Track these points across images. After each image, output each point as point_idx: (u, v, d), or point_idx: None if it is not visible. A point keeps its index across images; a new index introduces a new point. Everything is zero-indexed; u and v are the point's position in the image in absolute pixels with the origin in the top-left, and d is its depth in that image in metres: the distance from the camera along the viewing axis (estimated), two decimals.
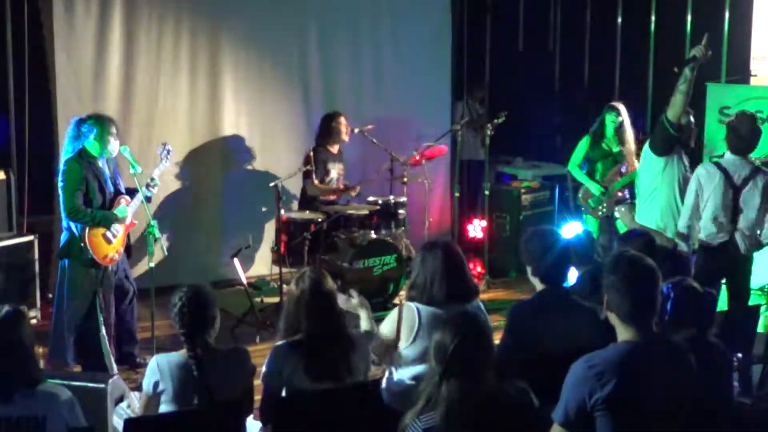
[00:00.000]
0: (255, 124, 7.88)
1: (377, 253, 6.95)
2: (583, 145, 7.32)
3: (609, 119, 7.18)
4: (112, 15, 7.12)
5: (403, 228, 7.50)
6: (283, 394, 3.71)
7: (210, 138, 7.68)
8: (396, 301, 6.79)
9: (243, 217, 7.77)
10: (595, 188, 7.19)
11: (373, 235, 7.08)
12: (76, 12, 6.96)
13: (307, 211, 7.21)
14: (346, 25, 8.18)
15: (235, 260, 6.74)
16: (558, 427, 2.97)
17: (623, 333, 3.03)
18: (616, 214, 7.07)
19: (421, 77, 8.53)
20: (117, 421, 4.21)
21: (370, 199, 7.52)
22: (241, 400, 3.66)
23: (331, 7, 8.11)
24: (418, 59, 8.50)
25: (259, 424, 3.88)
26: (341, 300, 4.09)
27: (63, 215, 5.49)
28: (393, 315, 4.03)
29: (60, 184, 5.45)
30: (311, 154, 7.26)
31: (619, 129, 7.18)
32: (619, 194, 7.17)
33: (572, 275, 4.41)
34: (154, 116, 7.39)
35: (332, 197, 7.43)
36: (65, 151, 5.50)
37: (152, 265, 5.48)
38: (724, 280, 5.56)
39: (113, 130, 5.54)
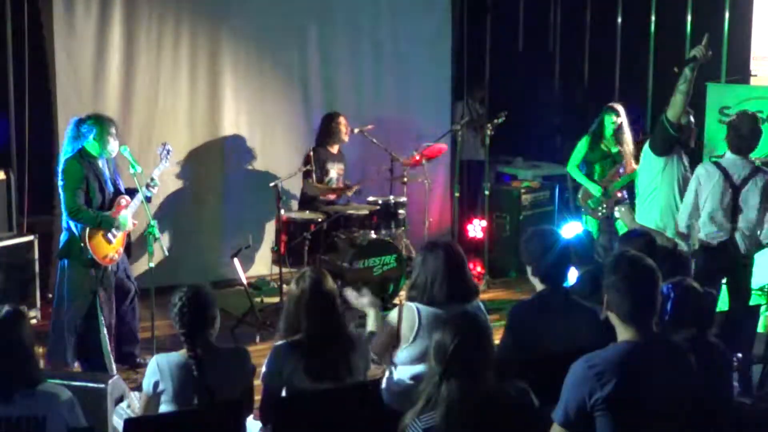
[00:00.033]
0: (255, 124, 7.87)
1: (377, 253, 6.94)
2: (582, 146, 7.33)
3: (608, 120, 7.18)
4: (112, 15, 7.11)
5: (403, 228, 7.49)
6: (283, 394, 3.71)
7: (210, 138, 7.68)
8: (396, 301, 6.79)
9: (243, 217, 7.77)
10: (594, 189, 7.19)
11: (373, 235, 7.08)
12: (76, 12, 6.95)
13: (307, 211, 7.21)
14: (346, 25, 8.18)
15: (235, 260, 6.74)
16: (558, 427, 2.97)
17: (623, 333, 3.03)
18: (616, 214, 7.08)
19: (421, 77, 8.53)
20: (117, 421, 4.21)
21: (370, 199, 7.52)
22: (241, 400, 3.66)
23: (331, 7, 8.11)
24: (418, 59, 8.50)
25: (259, 424, 3.88)
26: (352, 296, 4.10)
27: (64, 215, 5.49)
28: (393, 315, 4.03)
29: (60, 183, 5.45)
30: (311, 154, 7.26)
31: (618, 130, 7.19)
32: (618, 195, 7.18)
33: (572, 275, 4.42)
34: (154, 116, 7.38)
35: (331, 196, 7.43)
36: (65, 150, 5.50)
37: (152, 265, 5.48)
38: (724, 280, 5.56)
39: (113, 130, 5.54)
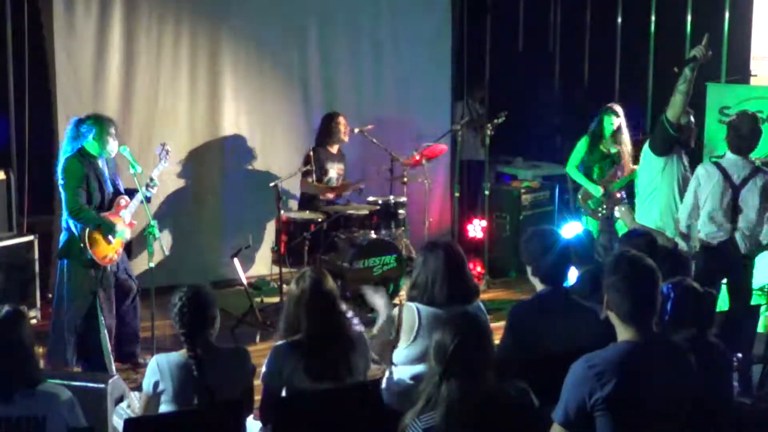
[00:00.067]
0: (255, 124, 7.87)
1: (377, 253, 6.94)
2: (581, 147, 7.33)
3: (607, 120, 7.19)
4: (112, 15, 7.11)
5: (403, 228, 7.50)
6: (283, 394, 3.71)
7: (210, 138, 7.68)
8: (396, 301, 6.79)
9: (243, 217, 7.77)
10: (594, 190, 7.19)
11: (373, 235, 7.08)
12: (76, 12, 6.95)
13: (307, 211, 7.21)
14: (346, 25, 8.18)
15: (235, 260, 6.74)
16: (558, 427, 2.97)
17: (623, 333, 3.03)
18: (617, 214, 7.08)
19: (421, 77, 8.53)
20: (117, 421, 4.21)
21: (370, 199, 7.52)
22: (241, 400, 3.66)
23: (331, 6, 8.11)
24: (418, 59, 8.50)
25: (259, 424, 3.88)
26: (370, 290, 4.11)
27: (64, 214, 5.49)
28: (393, 315, 4.03)
29: (61, 182, 5.45)
30: (311, 153, 7.26)
31: (617, 131, 7.20)
32: (618, 195, 7.18)
33: (572, 275, 4.42)
34: (154, 116, 7.38)
35: (330, 195, 7.43)
36: (64, 150, 5.50)
37: (152, 265, 5.48)
38: (724, 280, 5.56)
39: (112, 130, 5.54)
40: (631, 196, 6.76)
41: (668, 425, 2.99)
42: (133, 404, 4.31)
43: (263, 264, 7.75)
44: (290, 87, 7.98)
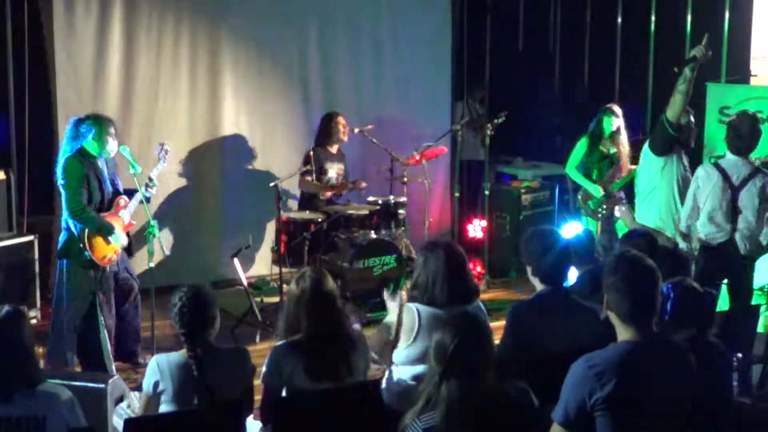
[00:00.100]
0: (255, 124, 7.87)
1: (377, 253, 6.94)
2: (581, 148, 7.33)
3: (607, 121, 7.20)
4: (112, 15, 7.11)
5: (403, 228, 7.49)
6: (284, 394, 3.71)
7: (210, 138, 7.68)
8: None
9: (243, 217, 7.77)
10: (594, 190, 7.20)
11: (373, 235, 7.08)
12: (76, 12, 6.95)
13: (307, 211, 7.21)
14: (346, 24, 8.18)
15: (235, 260, 6.74)
16: (558, 427, 2.97)
17: (623, 333, 3.03)
18: (617, 214, 7.08)
19: (421, 77, 8.53)
20: (117, 421, 4.21)
21: (370, 199, 7.52)
22: (241, 400, 3.66)
23: (331, 6, 8.11)
24: (418, 59, 8.50)
25: (259, 424, 3.88)
26: (386, 294, 4.12)
27: (64, 214, 5.49)
28: (393, 316, 4.03)
29: (61, 182, 5.45)
30: (311, 153, 7.26)
31: (616, 131, 7.20)
32: (618, 195, 7.18)
33: (572, 275, 4.42)
34: (154, 116, 7.38)
35: (328, 194, 7.42)
36: (64, 151, 5.50)
37: (152, 265, 5.49)
38: (725, 281, 5.56)
39: (111, 130, 5.54)
40: (630, 196, 6.76)
41: (668, 425, 2.99)
42: (133, 404, 4.31)
43: (263, 264, 7.75)
44: (290, 87, 7.98)
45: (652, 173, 5.83)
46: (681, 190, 5.75)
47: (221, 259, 7.52)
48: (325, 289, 3.80)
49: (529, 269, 4.01)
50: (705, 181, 5.45)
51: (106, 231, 5.48)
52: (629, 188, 6.86)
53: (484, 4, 9.29)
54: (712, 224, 5.44)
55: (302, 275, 3.85)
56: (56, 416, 3.24)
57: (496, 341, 3.49)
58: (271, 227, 7.72)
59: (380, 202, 7.39)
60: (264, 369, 3.76)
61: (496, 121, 7.68)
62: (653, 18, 8.66)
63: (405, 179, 7.56)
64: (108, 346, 5.42)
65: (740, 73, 7.81)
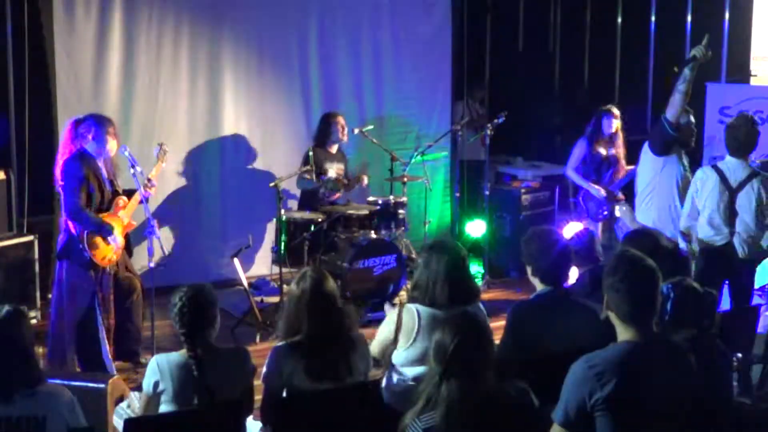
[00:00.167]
0: (255, 124, 7.87)
1: (377, 253, 6.94)
2: (580, 149, 7.33)
3: (606, 122, 7.20)
4: (112, 15, 7.11)
5: (403, 228, 7.49)
6: (284, 394, 3.71)
7: (210, 138, 7.68)
8: (396, 301, 6.78)
9: (243, 217, 7.76)
10: (594, 191, 7.20)
11: (373, 235, 7.08)
12: (76, 12, 6.95)
13: (307, 211, 7.21)
14: (346, 25, 8.17)
15: (235, 260, 6.73)
16: (558, 427, 2.98)
17: (623, 333, 3.03)
18: (617, 214, 7.08)
19: (421, 77, 8.53)
20: (117, 421, 4.21)
21: (370, 199, 7.52)
22: (241, 400, 3.66)
23: (332, 6, 8.10)
24: (418, 59, 8.50)
25: (259, 424, 3.88)
26: (387, 307, 4.15)
27: (64, 215, 5.48)
28: (392, 316, 4.03)
29: (60, 183, 5.45)
30: (310, 153, 7.25)
31: (615, 132, 7.21)
32: (618, 195, 7.19)
33: (572, 275, 4.42)
34: (154, 116, 7.38)
35: (337, 195, 7.42)
36: (63, 151, 5.49)
37: (152, 265, 5.48)
38: (726, 282, 5.55)
39: (111, 130, 5.54)
40: (631, 196, 6.77)
41: (668, 425, 2.99)
42: (133, 404, 4.30)
43: (263, 264, 7.74)
44: (290, 87, 7.98)
45: (652, 173, 5.84)
46: (680, 190, 5.75)
47: (221, 259, 7.52)
48: (326, 290, 3.80)
49: (529, 269, 4.01)
50: (703, 184, 5.46)
51: (106, 231, 5.48)
52: (630, 188, 6.86)
53: (484, 4, 9.30)
54: (712, 227, 5.44)
55: (303, 275, 3.85)
56: (56, 416, 3.25)
57: (496, 341, 3.49)
58: (271, 227, 7.72)
59: (380, 202, 7.39)
60: (264, 369, 3.76)
61: (496, 121, 7.67)
62: (653, 18, 8.66)
63: (405, 179, 7.56)
64: (107, 347, 5.42)
65: (740, 73, 7.83)
